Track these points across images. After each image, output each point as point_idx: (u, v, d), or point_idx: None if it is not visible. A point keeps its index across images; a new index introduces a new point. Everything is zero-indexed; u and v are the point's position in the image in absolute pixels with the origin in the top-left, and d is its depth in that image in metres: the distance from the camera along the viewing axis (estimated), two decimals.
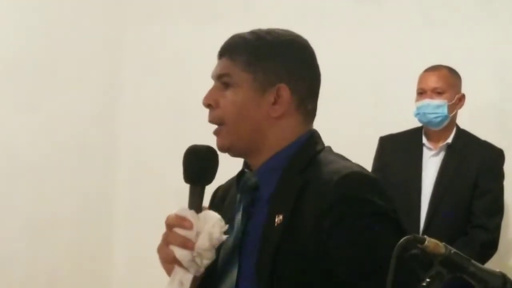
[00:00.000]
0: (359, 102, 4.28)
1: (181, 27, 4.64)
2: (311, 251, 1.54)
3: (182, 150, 1.66)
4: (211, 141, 1.71)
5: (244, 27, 1.75)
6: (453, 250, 1.35)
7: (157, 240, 1.63)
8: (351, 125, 4.19)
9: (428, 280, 1.34)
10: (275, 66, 1.66)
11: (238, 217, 1.67)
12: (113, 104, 4.66)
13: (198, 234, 1.57)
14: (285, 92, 1.65)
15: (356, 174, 1.58)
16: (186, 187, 1.74)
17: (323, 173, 1.59)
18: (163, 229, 1.62)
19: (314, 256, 1.54)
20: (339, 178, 1.55)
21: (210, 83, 1.72)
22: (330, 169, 1.59)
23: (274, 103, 1.65)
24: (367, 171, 1.63)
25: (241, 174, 1.72)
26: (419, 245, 1.33)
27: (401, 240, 1.31)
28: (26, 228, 4.11)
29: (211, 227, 1.57)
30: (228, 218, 1.65)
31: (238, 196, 1.70)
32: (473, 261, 1.37)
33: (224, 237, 1.59)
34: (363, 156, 3.18)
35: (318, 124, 1.73)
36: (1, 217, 3.98)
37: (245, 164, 1.72)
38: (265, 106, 1.65)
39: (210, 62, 1.80)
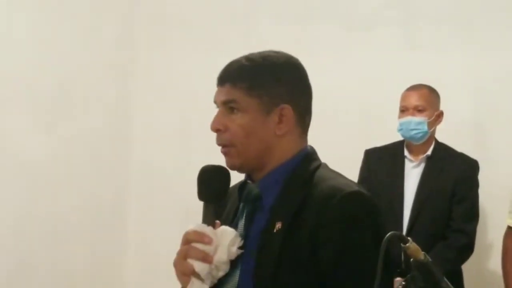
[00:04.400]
0: (347, 120, 4.36)
1: (188, 53, 4.70)
2: (306, 259, 1.58)
3: (188, 167, 1.69)
4: (215, 160, 1.77)
5: (244, 52, 1.79)
6: (431, 260, 1.38)
7: (166, 246, 1.62)
8: (340, 140, 4.24)
9: (403, 283, 1.38)
10: (276, 88, 1.70)
11: (241, 223, 1.72)
12: (126, 124, 4.77)
13: (216, 248, 1.62)
14: (288, 111, 1.70)
15: (357, 194, 1.62)
16: (190, 199, 1.84)
17: (323, 188, 1.63)
18: (171, 237, 1.58)
19: (308, 263, 1.58)
20: (342, 196, 1.59)
21: (214, 106, 1.76)
22: (330, 185, 1.64)
23: (279, 122, 1.70)
24: (365, 190, 1.67)
25: (243, 184, 1.77)
26: (402, 244, 1.38)
27: (387, 235, 1.34)
28: (46, 238, 4.20)
29: (229, 242, 1.62)
30: (229, 224, 1.72)
31: (241, 205, 1.75)
32: (445, 279, 1.39)
33: (240, 251, 1.64)
34: (351, 168, 3.24)
35: (311, 140, 1.78)
36: (23, 226, 4.07)
37: (247, 176, 1.77)
38: (270, 126, 1.70)
39: (214, 86, 1.82)
